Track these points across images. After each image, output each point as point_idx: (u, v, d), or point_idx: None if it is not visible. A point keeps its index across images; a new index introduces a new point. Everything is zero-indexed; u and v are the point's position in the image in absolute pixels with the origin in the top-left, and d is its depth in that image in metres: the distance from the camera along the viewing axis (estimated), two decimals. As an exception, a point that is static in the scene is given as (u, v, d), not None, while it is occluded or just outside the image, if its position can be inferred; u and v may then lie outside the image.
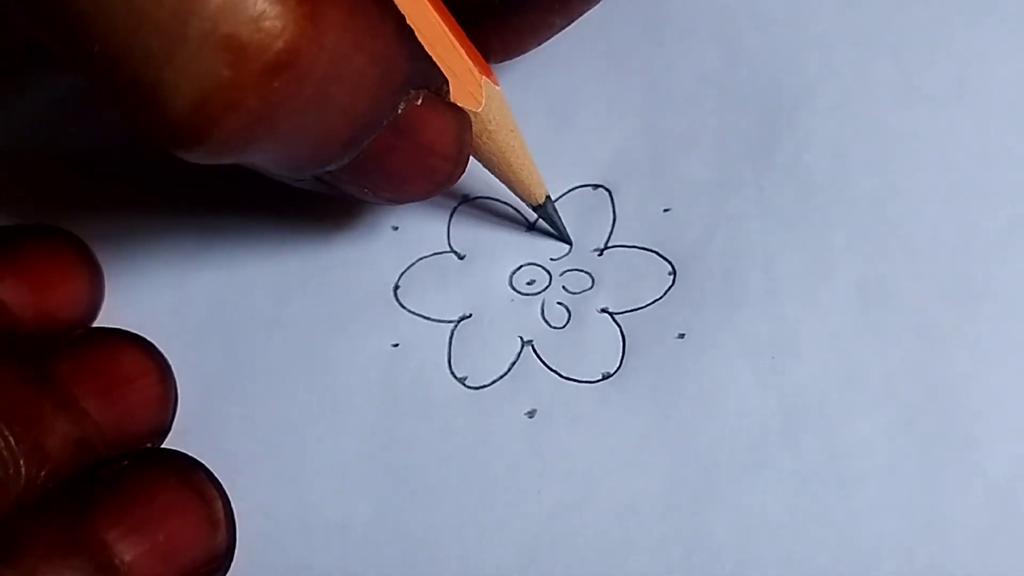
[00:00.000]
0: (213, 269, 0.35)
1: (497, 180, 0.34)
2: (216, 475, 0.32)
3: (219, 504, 0.31)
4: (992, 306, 0.33)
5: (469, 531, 0.32)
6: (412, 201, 0.32)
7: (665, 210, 0.36)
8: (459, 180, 0.32)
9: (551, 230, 0.36)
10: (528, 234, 0.36)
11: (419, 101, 0.28)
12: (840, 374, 0.33)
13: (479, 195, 0.36)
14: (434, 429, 0.33)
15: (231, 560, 0.31)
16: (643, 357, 0.34)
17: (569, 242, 0.36)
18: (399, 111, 0.28)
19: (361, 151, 0.28)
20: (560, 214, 0.35)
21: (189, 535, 0.31)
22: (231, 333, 0.35)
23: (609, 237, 0.35)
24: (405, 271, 0.35)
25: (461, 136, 0.30)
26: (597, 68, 0.38)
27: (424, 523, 0.32)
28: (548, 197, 0.35)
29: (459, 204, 0.36)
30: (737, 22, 0.37)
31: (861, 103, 0.36)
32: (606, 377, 0.33)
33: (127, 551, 0.29)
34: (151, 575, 0.30)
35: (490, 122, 0.32)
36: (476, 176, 0.34)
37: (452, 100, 0.30)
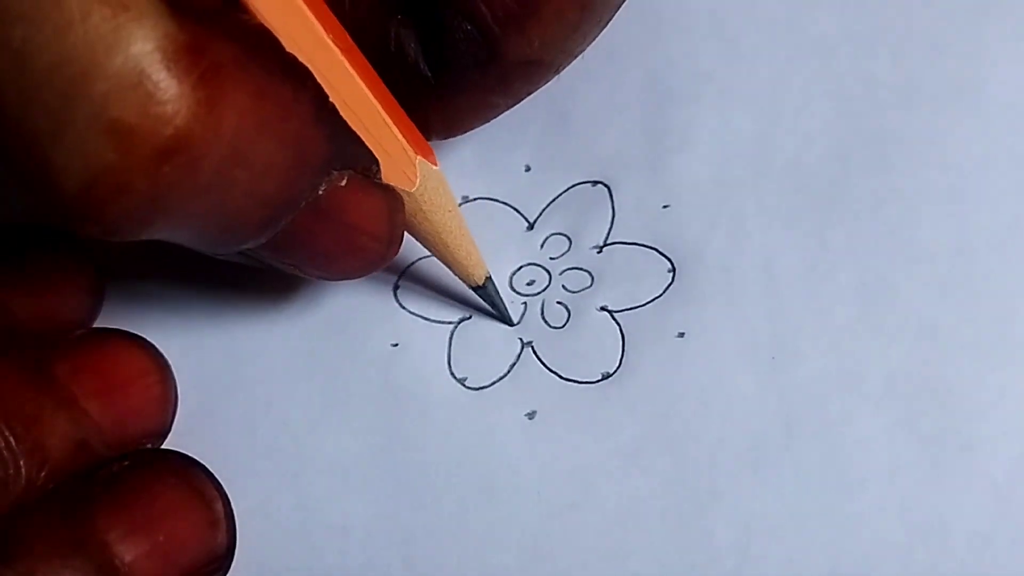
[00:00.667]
0: (213, 269, 0.35)
1: (491, 201, 0.34)
2: (216, 475, 0.32)
3: (219, 504, 0.31)
4: (992, 306, 0.33)
5: (469, 531, 0.32)
6: (347, 279, 0.32)
7: (664, 207, 0.36)
8: (399, 249, 0.31)
9: (491, 311, 0.35)
10: (528, 233, 0.36)
11: (343, 182, 0.28)
12: (840, 374, 0.33)
13: (478, 196, 0.36)
14: (434, 430, 0.33)
15: (231, 560, 0.31)
16: (643, 356, 0.34)
17: (510, 323, 0.35)
18: (320, 192, 0.28)
19: (279, 231, 0.27)
20: (560, 211, 0.35)
21: (189, 535, 0.31)
22: (231, 333, 0.35)
23: (608, 234, 0.35)
24: (405, 271, 0.35)
25: (392, 217, 0.30)
26: (597, 64, 0.37)
27: (424, 523, 0.32)
28: (488, 278, 0.34)
29: (459, 205, 0.36)
30: (736, 20, 0.37)
31: (861, 103, 0.36)
32: (606, 377, 0.33)
33: (127, 552, 0.29)
34: (151, 575, 0.30)
35: (425, 202, 0.31)
36: (475, 177, 0.34)
37: (384, 179, 0.30)
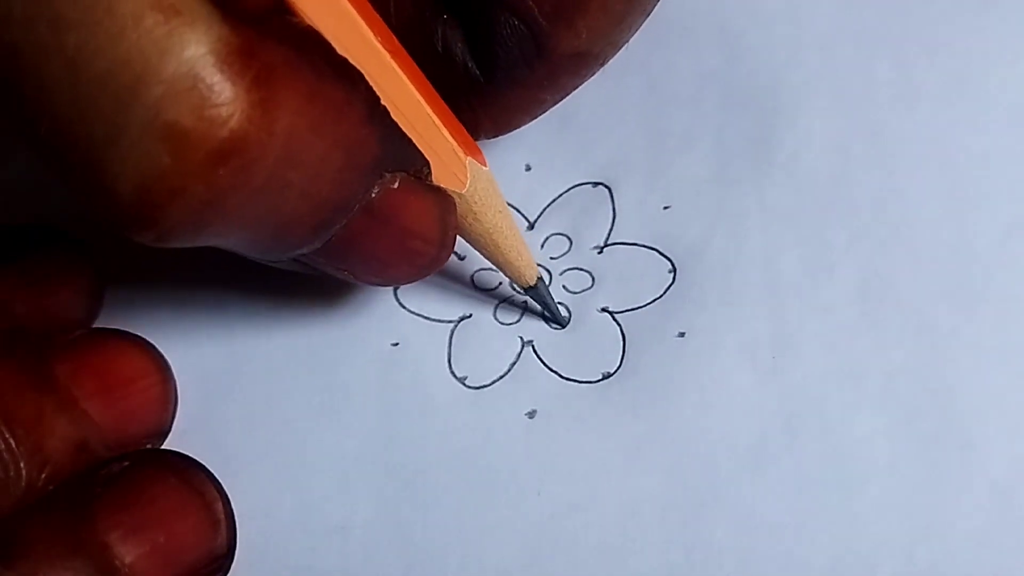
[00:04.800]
0: (213, 269, 0.35)
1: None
2: (216, 475, 0.32)
3: (219, 504, 0.31)
4: (992, 306, 0.33)
5: (469, 531, 0.32)
6: (399, 284, 0.32)
7: (665, 207, 0.36)
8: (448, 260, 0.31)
9: (543, 311, 0.35)
10: (528, 233, 0.36)
11: (395, 184, 0.28)
12: (840, 373, 0.33)
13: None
14: (434, 429, 0.33)
15: (231, 560, 0.31)
16: (643, 356, 0.34)
17: (563, 324, 0.35)
18: (372, 195, 0.27)
19: (333, 235, 0.28)
20: (560, 212, 0.35)
21: (190, 536, 0.31)
22: (231, 333, 0.35)
23: (609, 235, 0.36)
24: (404, 271, 0.35)
25: (444, 219, 0.30)
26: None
27: (424, 523, 0.32)
28: (540, 279, 0.34)
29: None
30: (737, 20, 0.37)
31: (861, 102, 0.36)
32: (606, 377, 0.33)
33: (128, 552, 0.29)
34: (151, 575, 0.30)
35: (475, 203, 0.31)
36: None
37: (435, 181, 0.30)
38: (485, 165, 0.32)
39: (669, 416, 0.33)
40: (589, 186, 0.36)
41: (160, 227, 0.24)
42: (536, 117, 0.33)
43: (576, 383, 0.34)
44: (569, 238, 0.36)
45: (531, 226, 0.36)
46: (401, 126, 0.28)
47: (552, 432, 0.33)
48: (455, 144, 0.30)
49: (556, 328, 0.35)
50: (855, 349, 0.33)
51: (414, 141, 0.28)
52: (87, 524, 0.29)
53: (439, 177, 0.30)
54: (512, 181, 0.37)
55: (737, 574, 0.31)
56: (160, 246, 0.25)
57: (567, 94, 0.33)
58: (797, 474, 0.32)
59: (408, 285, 0.35)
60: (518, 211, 0.36)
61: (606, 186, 0.36)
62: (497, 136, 0.33)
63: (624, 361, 0.34)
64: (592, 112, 0.37)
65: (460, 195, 0.31)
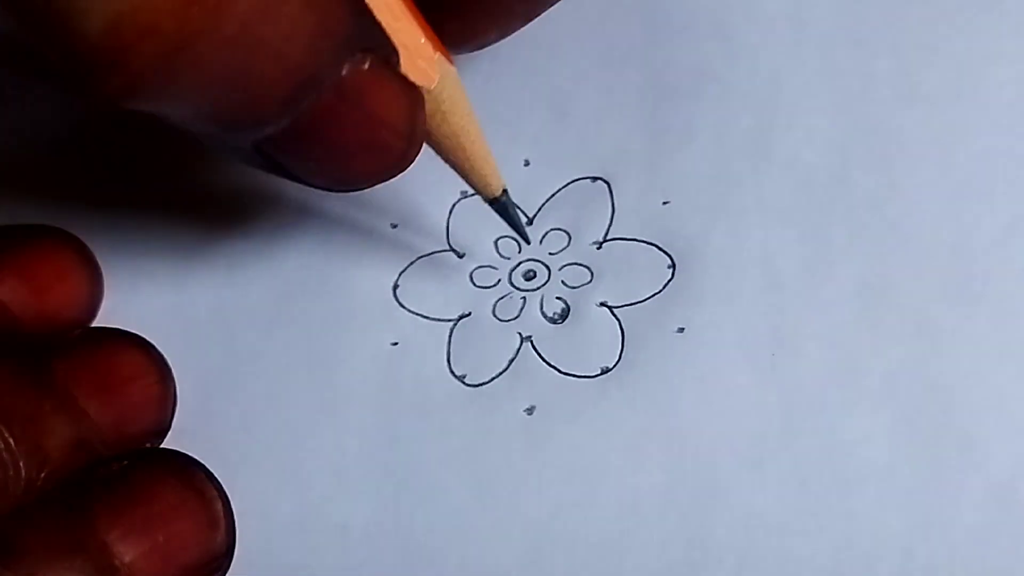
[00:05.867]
0: (213, 269, 0.35)
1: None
2: (216, 475, 0.32)
3: (219, 504, 0.31)
4: (992, 306, 0.33)
5: (469, 530, 0.32)
6: (361, 184, 0.31)
7: (664, 203, 0.35)
8: (414, 162, 0.30)
9: (508, 223, 0.34)
10: (527, 228, 0.36)
11: (366, 65, 0.27)
12: (840, 371, 0.33)
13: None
14: (433, 428, 0.33)
15: (231, 560, 0.31)
16: (642, 351, 0.34)
17: (527, 239, 0.35)
18: (343, 72, 0.27)
19: (302, 113, 0.27)
20: (559, 207, 0.35)
21: (189, 535, 0.31)
22: (231, 333, 0.35)
23: (608, 230, 0.35)
24: (404, 270, 0.35)
25: (413, 111, 0.29)
26: (596, 60, 0.37)
27: (424, 522, 0.32)
28: (505, 190, 0.33)
29: (458, 200, 0.36)
30: (736, 17, 0.37)
31: (861, 101, 0.36)
32: (605, 372, 0.33)
33: (127, 552, 0.29)
34: (151, 575, 0.30)
35: (443, 102, 0.30)
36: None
37: (404, 73, 0.29)
38: (452, 64, 0.31)
39: (668, 411, 0.33)
40: (588, 181, 0.36)
41: (128, 71, 0.23)
42: (505, 33, 0.32)
43: (575, 378, 0.34)
44: (568, 233, 0.36)
45: (530, 221, 0.36)
46: (372, 8, 0.27)
47: (551, 428, 0.33)
48: (424, 36, 0.30)
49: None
50: (854, 346, 0.33)
51: (384, 27, 0.28)
52: (86, 523, 0.29)
53: (408, 69, 0.29)
54: (511, 176, 0.36)
55: (736, 570, 0.31)
56: (126, 103, 0.24)
57: (539, 11, 0.32)
58: (796, 471, 0.32)
59: (407, 285, 0.35)
60: (516, 206, 0.36)
61: (605, 181, 0.36)
62: (462, 49, 0.32)
63: (623, 356, 0.34)
64: (591, 107, 0.37)
65: (428, 92, 0.30)
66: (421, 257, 0.35)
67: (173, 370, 0.34)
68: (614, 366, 0.34)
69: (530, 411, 0.33)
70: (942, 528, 0.31)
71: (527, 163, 0.37)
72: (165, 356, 0.34)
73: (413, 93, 0.29)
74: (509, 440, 0.33)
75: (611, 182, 0.36)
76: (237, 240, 0.36)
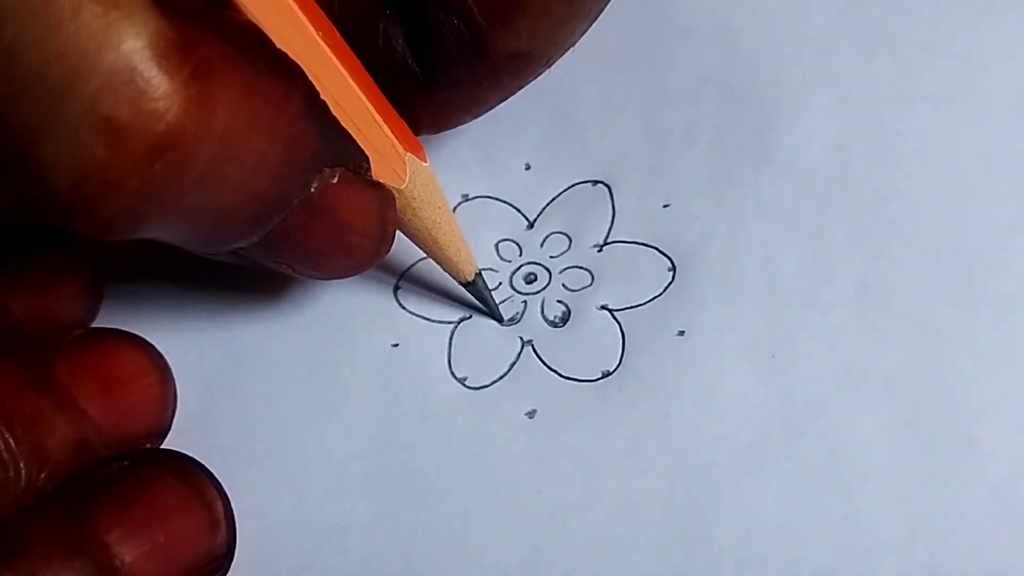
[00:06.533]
0: (213, 269, 0.35)
1: (491, 199, 0.33)
2: (216, 475, 0.32)
3: (219, 504, 0.31)
4: (992, 306, 0.33)
5: (469, 531, 0.32)
6: (338, 278, 0.32)
7: (664, 206, 0.36)
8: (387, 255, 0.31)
9: (481, 307, 0.35)
10: (528, 232, 0.36)
11: (335, 179, 0.28)
12: (840, 373, 0.33)
13: (478, 194, 0.36)
14: (434, 430, 0.33)
15: (231, 560, 0.31)
16: (643, 355, 0.34)
17: (500, 320, 0.35)
18: (312, 189, 0.28)
19: (272, 229, 0.28)
20: (560, 210, 0.35)
21: (189, 536, 0.30)
22: (231, 333, 0.35)
23: (608, 233, 0.36)
24: (405, 272, 0.35)
25: (383, 214, 0.30)
26: (597, 64, 0.38)
27: (424, 523, 0.32)
28: (479, 273, 0.34)
29: (459, 204, 0.36)
30: (737, 19, 0.37)
31: (861, 102, 0.36)
32: (606, 375, 0.33)
33: (127, 552, 0.29)
34: (151, 575, 0.30)
35: (414, 199, 0.31)
36: (475, 175, 0.34)
37: (374, 177, 0.30)
38: (426, 161, 0.32)
39: (668, 414, 0.33)
40: (589, 184, 0.36)
41: (96, 219, 0.24)
42: (479, 116, 0.33)
43: (576, 382, 0.34)
44: (569, 236, 0.36)
45: (531, 225, 0.36)
46: (341, 121, 0.28)
47: (552, 431, 0.33)
48: (395, 140, 0.30)
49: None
50: (854, 348, 0.33)
51: (354, 136, 0.28)
52: (87, 524, 0.29)
53: (378, 172, 0.30)
54: (512, 180, 0.37)
55: (736, 571, 0.31)
56: (100, 238, 0.25)
57: (511, 94, 0.33)
58: (796, 473, 0.32)
59: (408, 286, 0.35)
60: (517, 210, 0.36)
61: (606, 184, 0.36)
62: (437, 132, 0.33)
63: (624, 359, 0.34)
64: (592, 111, 0.37)
65: (399, 191, 0.31)
66: (422, 259, 0.35)
67: (173, 370, 0.34)
68: (615, 369, 0.34)
69: (531, 414, 0.33)
70: (942, 528, 0.31)
71: (528, 167, 0.37)
72: (165, 356, 0.34)
73: (384, 196, 0.30)
74: (510, 443, 0.33)
75: (612, 185, 0.36)
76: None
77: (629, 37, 0.37)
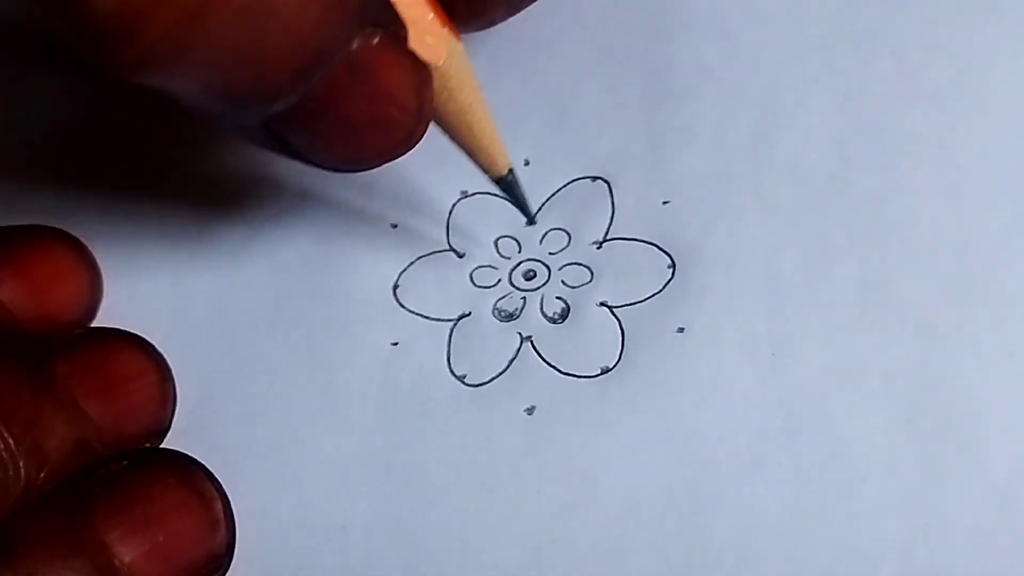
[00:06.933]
0: (213, 269, 0.35)
1: (490, 195, 0.33)
2: (216, 475, 0.32)
3: (219, 504, 0.31)
4: (992, 305, 0.33)
5: (469, 530, 0.32)
6: (368, 162, 0.31)
7: (664, 203, 0.35)
8: (420, 140, 0.30)
9: (513, 203, 0.34)
10: (527, 229, 0.36)
11: (375, 40, 0.27)
12: (840, 371, 0.32)
13: (478, 190, 0.36)
14: (434, 428, 0.33)
15: (231, 560, 0.31)
16: (642, 351, 0.34)
17: (531, 216, 0.35)
18: (353, 47, 0.27)
19: (311, 88, 0.27)
20: (560, 206, 0.35)
21: (189, 535, 0.30)
22: (231, 333, 0.35)
23: (608, 230, 0.35)
24: (404, 270, 0.35)
25: (421, 88, 0.29)
26: (596, 60, 0.37)
27: (424, 522, 0.32)
28: (511, 169, 0.33)
29: (458, 200, 0.36)
30: (736, 17, 0.37)
31: (861, 101, 0.36)
32: (605, 372, 0.33)
33: (127, 552, 0.29)
34: (151, 575, 0.30)
35: (450, 79, 0.30)
36: (475, 171, 0.33)
37: (412, 48, 0.29)
38: (460, 41, 0.31)
39: (668, 411, 0.33)
40: (588, 181, 0.36)
41: (141, 42, 0.23)
42: (514, 11, 0.32)
43: (575, 378, 0.34)
44: (568, 233, 0.36)
45: (531, 222, 0.36)
46: None
47: (551, 428, 0.33)
48: (431, 12, 0.29)
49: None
50: (854, 346, 0.33)
51: (393, 2, 0.28)
52: (86, 523, 0.29)
53: (416, 45, 0.29)
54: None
55: (736, 571, 0.31)
56: (137, 77, 0.24)
57: None
58: (796, 471, 0.31)
59: (407, 285, 0.35)
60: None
61: (605, 181, 0.36)
62: (471, 25, 0.32)
63: (623, 356, 0.34)
64: (591, 107, 0.37)
65: (436, 68, 0.30)
66: (421, 257, 0.35)
67: (173, 370, 0.34)
68: (614, 366, 0.34)
69: (530, 411, 0.33)
70: (942, 528, 0.30)
71: (527, 163, 0.37)
72: (165, 356, 0.34)
73: (421, 69, 0.29)
74: (509, 440, 0.33)
75: (611, 182, 0.36)
76: (237, 240, 0.36)
77: (628, 33, 0.37)
